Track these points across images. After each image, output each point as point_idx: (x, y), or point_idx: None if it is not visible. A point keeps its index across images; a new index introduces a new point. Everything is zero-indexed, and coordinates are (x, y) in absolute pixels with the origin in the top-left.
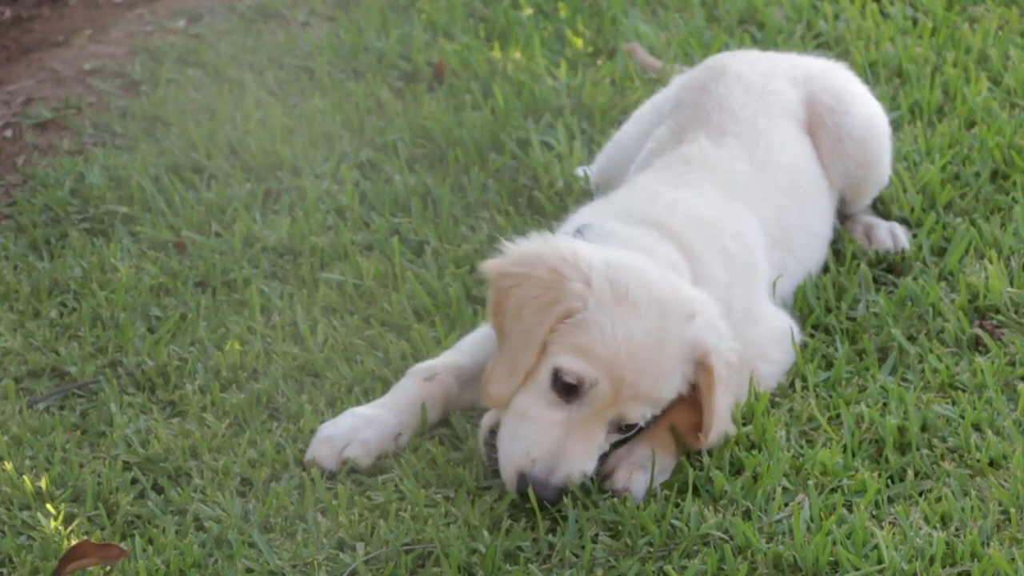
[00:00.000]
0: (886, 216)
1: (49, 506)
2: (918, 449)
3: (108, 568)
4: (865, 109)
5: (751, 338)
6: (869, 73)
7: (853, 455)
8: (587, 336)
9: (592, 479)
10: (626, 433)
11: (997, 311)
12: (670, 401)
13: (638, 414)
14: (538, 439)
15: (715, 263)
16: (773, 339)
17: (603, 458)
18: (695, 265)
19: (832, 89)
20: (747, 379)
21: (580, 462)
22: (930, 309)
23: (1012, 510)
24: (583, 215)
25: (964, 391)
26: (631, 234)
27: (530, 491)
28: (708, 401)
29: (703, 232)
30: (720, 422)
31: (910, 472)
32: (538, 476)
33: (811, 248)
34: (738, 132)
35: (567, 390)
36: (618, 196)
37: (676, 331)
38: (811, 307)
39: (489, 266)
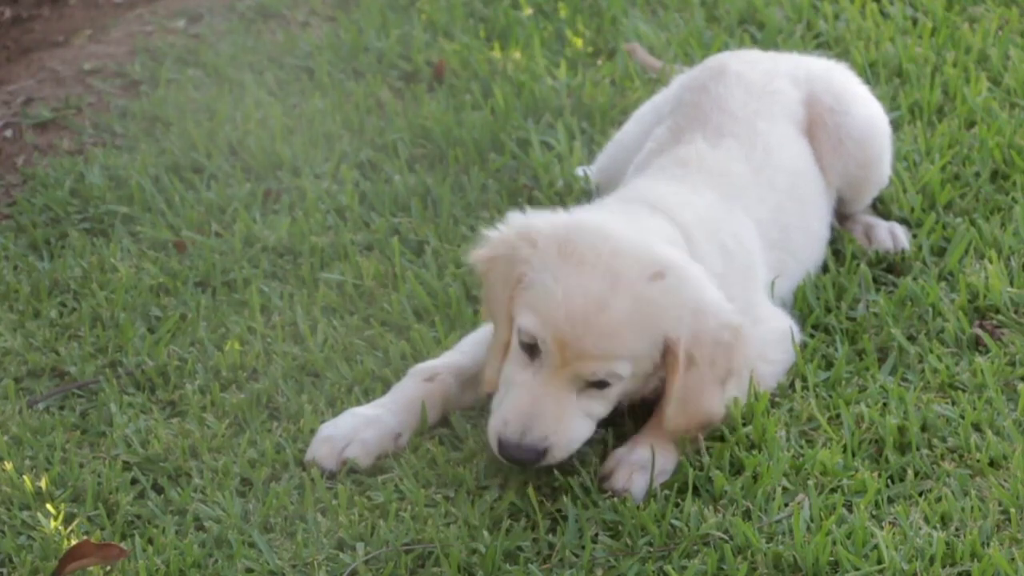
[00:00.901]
0: (886, 216)
1: (49, 506)
2: (918, 449)
3: (108, 568)
4: (865, 109)
5: (755, 338)
6: (869, 73)
7: (853, 455)
8: (533, 295)
9: (592, 479)
10: (604, 389)
11: (997, 311)
12: (651, 359)
13: (593, 371)
14: (510, 402)
15: (712, 252)
16: (773, 339)
17: (606, 453)
18: (691, 247)
19: (833, 89)
20: (746, 378)
21: (555, 422)
22: (930, 309)
23: (1012, 510)
24: None
25: (964, 391)
26: (623, 208)
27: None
28: (669, 379)
29: (701, 223)
30: (688, 406)
31: (910, 472)
32: (510, 438)
33: (810, 249)
34: (737, 133)
35: (529, 350)
36: (612, 197)
37: (629, 290)
38: (811, 307)
39: (471, 258)
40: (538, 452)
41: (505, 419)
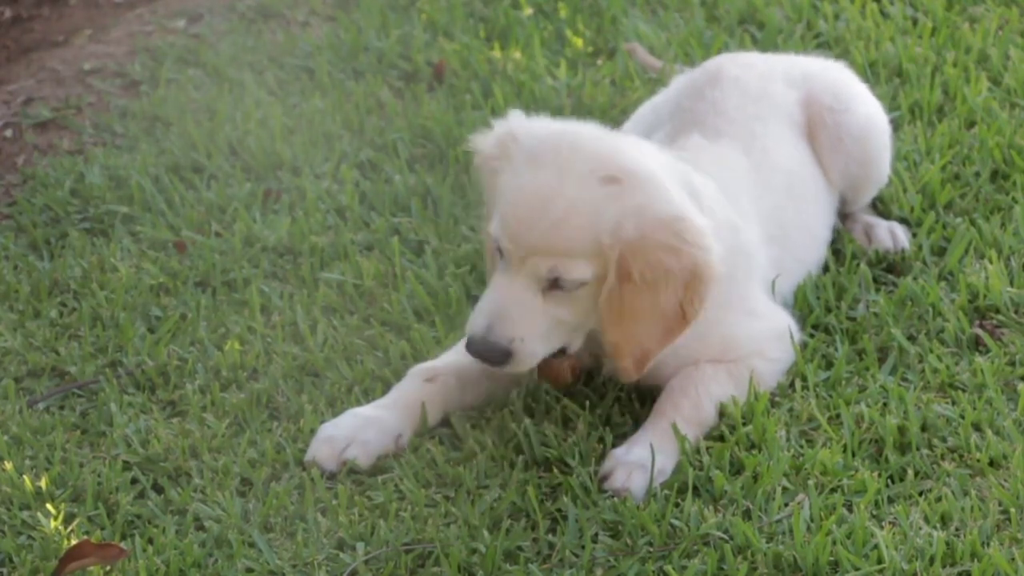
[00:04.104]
0: (886, 216)
1: (49, 506)
2: (918, 449)
3: (108, 568)
4: (865, 108)
5: (749, 333)
6: (869, 73)
7: (853, 455)
8: (500, 199)
9: (592, 479)
10: (571, 293)
11: (997, 311)
12: (604, 265)
13: (546, 268)
14: (481, 302)
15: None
16: (772, 336)
17: (605, 453)
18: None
19: (831, 88)
20: (746, 376)
21: (522, 325)
22: (930, 309)
23: (1012, 510)
24: None
25: (964, 391)
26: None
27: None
28: (621, 290)
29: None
30: (622, 328)
31: (910, 472)
32: (476, 332)
33: (810, 248)
34: (733, 134)
35: (500, 252)
36: None
37: (574, 187)
38: (811, 307)
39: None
40: (503, 352)
41: (474, 317)
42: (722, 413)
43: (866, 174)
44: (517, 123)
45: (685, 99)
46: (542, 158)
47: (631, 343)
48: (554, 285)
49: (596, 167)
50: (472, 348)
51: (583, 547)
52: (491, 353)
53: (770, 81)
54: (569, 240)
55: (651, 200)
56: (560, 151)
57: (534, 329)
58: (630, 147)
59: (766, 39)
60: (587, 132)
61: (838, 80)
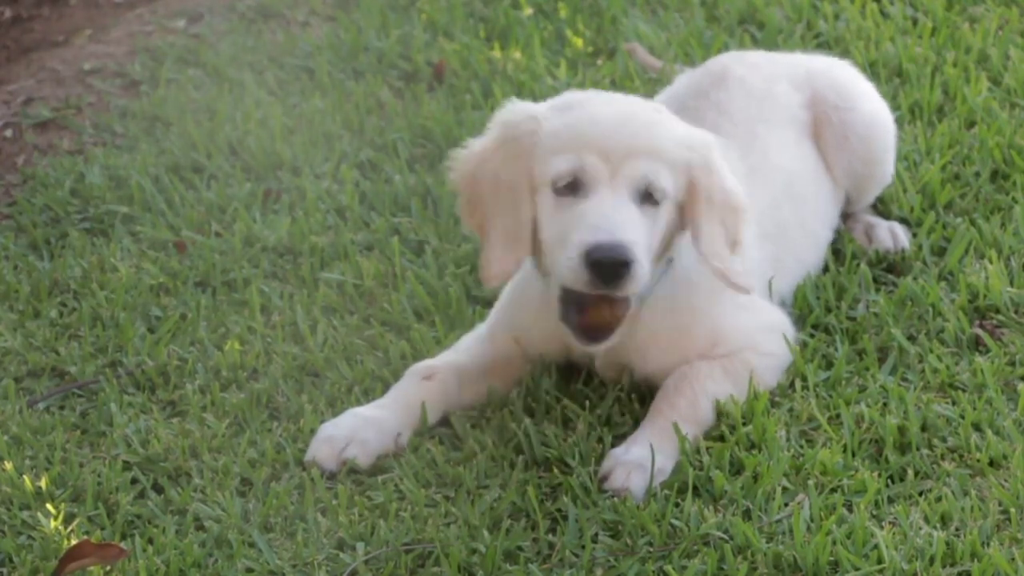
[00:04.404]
0: (886, 216)
1: (49, 506)
2: (918, 449)
3: (108, 568)
4: (870, 105)
5: (738, 325)
6: (869, 73)
7: (853, 455)
8: (551, 141)
9: (591, 479)
10: (656, 204)
11: (997, 311)
12: (675, 182)
13: (643, 171)
14: (582, 225)
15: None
16: (763, 329)
17: (604, 452)
18: None
19: (836, 86)
20: (745, 375)
21: (633, 228)
22: (930, 309)
23: (1012, 510)
24: None
25: (964, 391)
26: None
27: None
28: (693, 209)
29: None
30: (712, 242)
31: (910, 472)
32: (600, 240)
33: (808, 247)
34: (735, 135)
35: (573, 189)
36: None
37: (646, 113)
38: (811, 307)
39: (452, 174)
40: (630, 259)
41: (583, 237)
42: (722, 413)
43: (871, 172)
44: (523, 106)
45: (690, 98)
46: (590, 101)
47: (719, 261)
48: (645, 199)
49: (644, 106)
50: (601, 253)
51: (583, 547)
52: (621, 259)
53: (775, 82)
54: (660, 139)
55: (697, 136)
56: (598, 96)
57: (643, 241)
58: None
59: (766, 39)
60: (593, 94)
61: (843, 78)
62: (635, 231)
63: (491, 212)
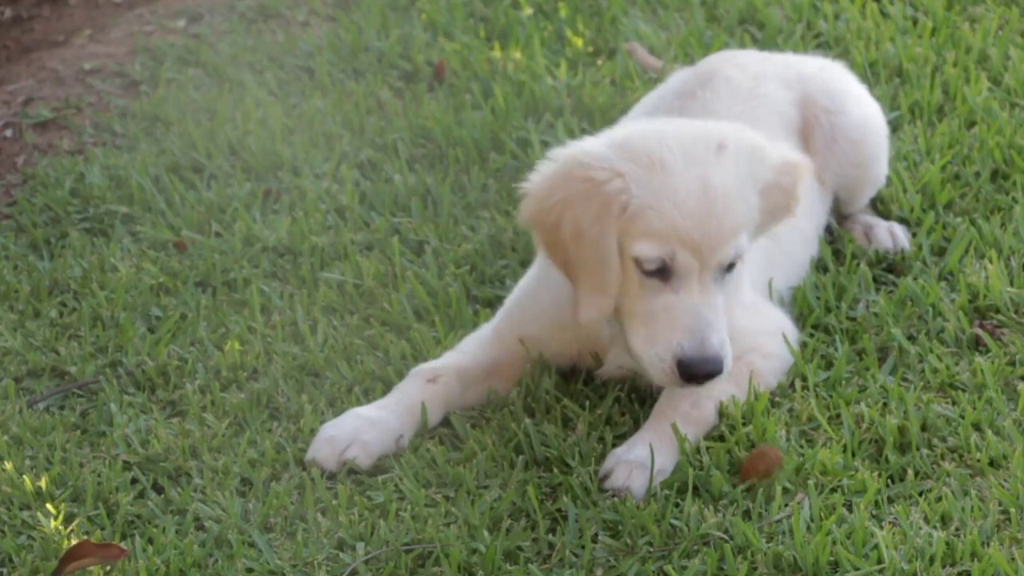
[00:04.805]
0: (886, 216)
1: (49, 506)
2: (918, 449)
3: (108, 568)
4: (861, 108)
5: (744, 326)
6: (869, 73)
7: (853, 455)
8: (645, 220)
9: (592, 479)
10: (729, 273)
11: (997, 311)
12: (761, 223)
13: (729, 254)
14: (670, 324)
15: None
16: (768, 332)
17: (604, 452)
18: None
19: (827, 89)
20: (745, 375)
21: (721, 328)
22: (930, 309)
23: (1012, 510)
24: None
25: (964, 391)
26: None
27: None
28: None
29: None
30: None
31: (910, 472)
32: (692, 355)
33: (797, 243)
34: None
35: (660, 274)
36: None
37: (709, 168)
38: (811, 307)
39: (524, 213)
40: (721, 361)
41: (676, 341)
42: (722, 413)
43: (862, 175)
44: (591, 149)
45: (677, 98)
46: (666, 163)
47: None
48: (729, 267)
49: (704, 146)
50: (691, 370)
51: (583, 547)
52: (713, 367)
53: (763, 81)
54: (740, 208)
55: (757, 144)
56: (672, 148)
57: (725, 320)
58: (694, 122)
59: (766, 39)
60: (645, 125)
61: (834, 81)
62: (721, 323)
63: (577, 260)
